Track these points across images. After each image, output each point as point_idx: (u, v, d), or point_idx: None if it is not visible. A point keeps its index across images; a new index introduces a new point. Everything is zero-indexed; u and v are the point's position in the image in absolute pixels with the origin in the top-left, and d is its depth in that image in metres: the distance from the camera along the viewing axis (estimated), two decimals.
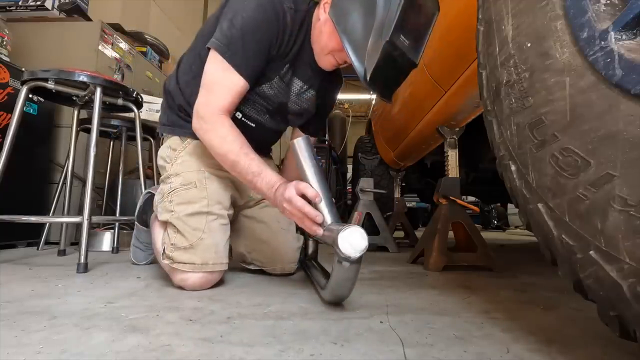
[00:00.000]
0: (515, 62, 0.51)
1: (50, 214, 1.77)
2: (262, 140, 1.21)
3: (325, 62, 1.05)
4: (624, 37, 0.38)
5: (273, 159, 1.36)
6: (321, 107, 1.25)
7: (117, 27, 2.53)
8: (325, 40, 1.00)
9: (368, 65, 0.86)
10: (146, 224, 1.30)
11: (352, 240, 0.67)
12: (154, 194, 1.26)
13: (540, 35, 0.47)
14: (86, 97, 1.51)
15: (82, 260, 1.18)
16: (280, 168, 1.46)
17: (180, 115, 1.11)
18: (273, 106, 1.11)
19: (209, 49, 0.96)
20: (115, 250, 1.77)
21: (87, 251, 1.20)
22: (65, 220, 1.56)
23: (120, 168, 2.00)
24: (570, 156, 0.42)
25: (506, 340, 0.61)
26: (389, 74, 0.91)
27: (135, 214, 1.35)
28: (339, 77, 1.27)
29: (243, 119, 1.10)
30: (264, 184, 0.91)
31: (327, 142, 4.13)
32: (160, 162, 1.14)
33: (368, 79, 0.87)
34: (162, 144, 1.16)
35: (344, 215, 3.99)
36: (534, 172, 0.48)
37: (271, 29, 0.96)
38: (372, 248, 2.08)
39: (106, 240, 1.86)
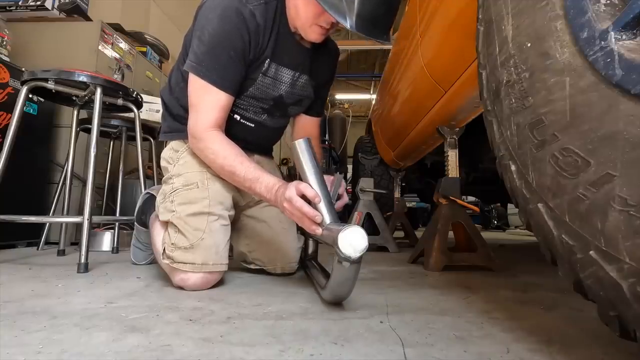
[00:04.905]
0: (515, 62, 0.51)
1: (50, 214, 1.77)
2: (263, 140, 1.22)
3: (313, 33, 0.99)
4: (624, 37, 0.38)
5: (274, 159, 1.36)
6: (320, 86, 1.22)
7: (117, 27, 2.53)
8: (303, 11, 0.95)
9: (349, 11, 0.84)
10: (145, 224, 1.30)
11: (352, 240, 0.67)
12: (153, 195, 1.26)
13: (540, 35, 0.47)
14: (86, 97, 1.51)
15: (82, 260, 1.18)
16: (281, 169, 1.46)
17: (180, 121, 1.12)
18: (268, 104, 1.11)
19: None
20: (115, 250, 1.77)
21: (87, 251, 1.20)
22: (65, 220, 1.56)
23: (120, 168, 2.00)
24: (570, 156, 0.42)
25: (506, 340, 0.61)
26: (373, 11, 0.87)
27: (135, 214, 1.35)
28: (330, 48, 1.21)
29: (241, 120, 1.11)
30: (263, 188, 0.92)
31: (327, 142, 4.14)
32: (163, 163, 1.15)
33: (355, 25, 0.85)
34: (165, 146, 1.18)
35: (344, 215, 3.99)
36: (534, 172, 0.48)
37: (240, 35, 0.95)
38: (372, 248, 2.08)
39: (106, 240, 1.86)
